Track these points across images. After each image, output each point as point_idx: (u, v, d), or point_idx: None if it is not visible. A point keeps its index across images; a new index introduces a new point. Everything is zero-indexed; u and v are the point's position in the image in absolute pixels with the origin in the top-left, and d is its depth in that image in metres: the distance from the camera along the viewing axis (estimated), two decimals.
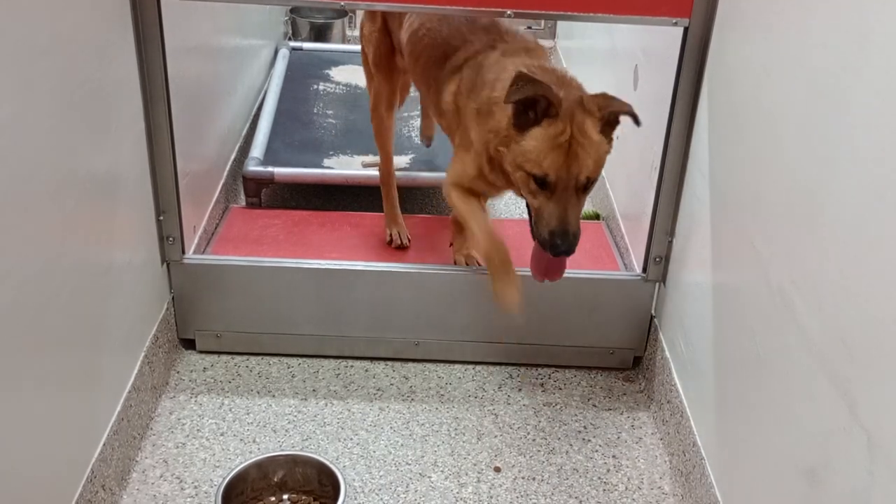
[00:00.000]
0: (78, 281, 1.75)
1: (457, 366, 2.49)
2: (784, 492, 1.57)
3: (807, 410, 1.48)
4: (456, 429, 2.27)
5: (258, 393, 2.35)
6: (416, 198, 3.30)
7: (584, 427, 2.31)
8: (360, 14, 4.99)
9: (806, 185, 1.53)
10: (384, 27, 2.56)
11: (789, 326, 1.55)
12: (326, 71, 4.01)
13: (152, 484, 2.04)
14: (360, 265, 2.42)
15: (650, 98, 2.65)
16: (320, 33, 4.66)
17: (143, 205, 2.17)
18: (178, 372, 2.40)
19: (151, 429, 2.20)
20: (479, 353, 2.50)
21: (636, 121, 1.90)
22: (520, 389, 2.42)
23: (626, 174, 2.88)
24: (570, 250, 1.87)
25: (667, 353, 2.29)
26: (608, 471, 2.17)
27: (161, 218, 2.26)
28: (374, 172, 3.14)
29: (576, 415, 2.35)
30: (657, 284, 2.41)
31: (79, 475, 1.77)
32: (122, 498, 1.99)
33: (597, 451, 2.23)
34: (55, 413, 1.68)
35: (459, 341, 2.48)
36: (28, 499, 1.57)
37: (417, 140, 3.45)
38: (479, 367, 2.49)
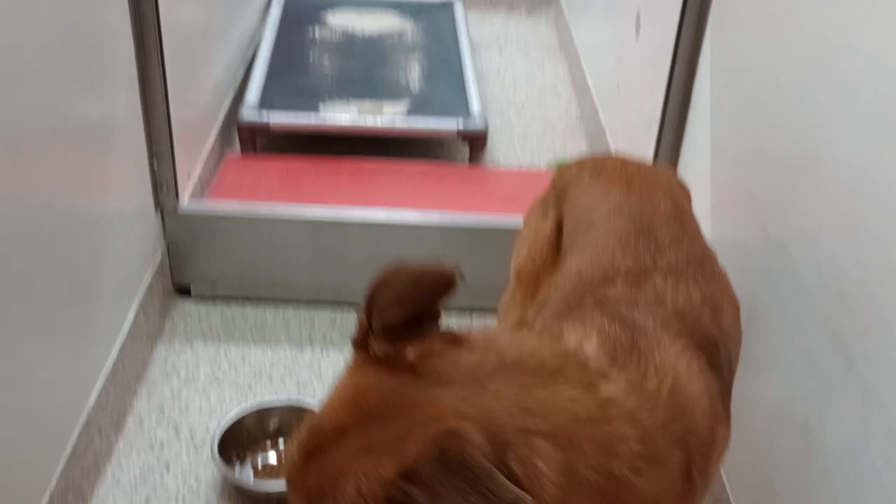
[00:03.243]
0: (70, 228, 1.74)
1: (453, 311, 2.48)
2: (779, 444, 1.58)
3: (803, 364, 1.48)
4: None
5: (254, 341, 2.35)
6: (414, 147, 3.26)
7: None
8: None
9: (807, 135, 1.51)
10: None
11: (787, 280, 1.55)
12: (322, 15, 3.95)
13: (148, 430, 2.05)
14: (357, 213, 2.40)
15: (651, 47, 2.61)
16: None
17: (136, 151, 2.14)
18: (173, 320, 2.40)
19: (147, 376, 2.20)
20: (471, 300, 2.48)
21: None
22: None
23: (624, 126, 2.85)
24: None
25: None
26: None
27: (154, 165, 2.23)
28: (372, 120, 3.12)
29: None
30: None
31: (74, 421, 1.78)
32: (119, 443, 2.00)
33: None
34: (49, 361, 1.68)
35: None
36: (24, 444, 1.57)
37: (414, 85, 3.40)
38: (475, 314, 2.49)
